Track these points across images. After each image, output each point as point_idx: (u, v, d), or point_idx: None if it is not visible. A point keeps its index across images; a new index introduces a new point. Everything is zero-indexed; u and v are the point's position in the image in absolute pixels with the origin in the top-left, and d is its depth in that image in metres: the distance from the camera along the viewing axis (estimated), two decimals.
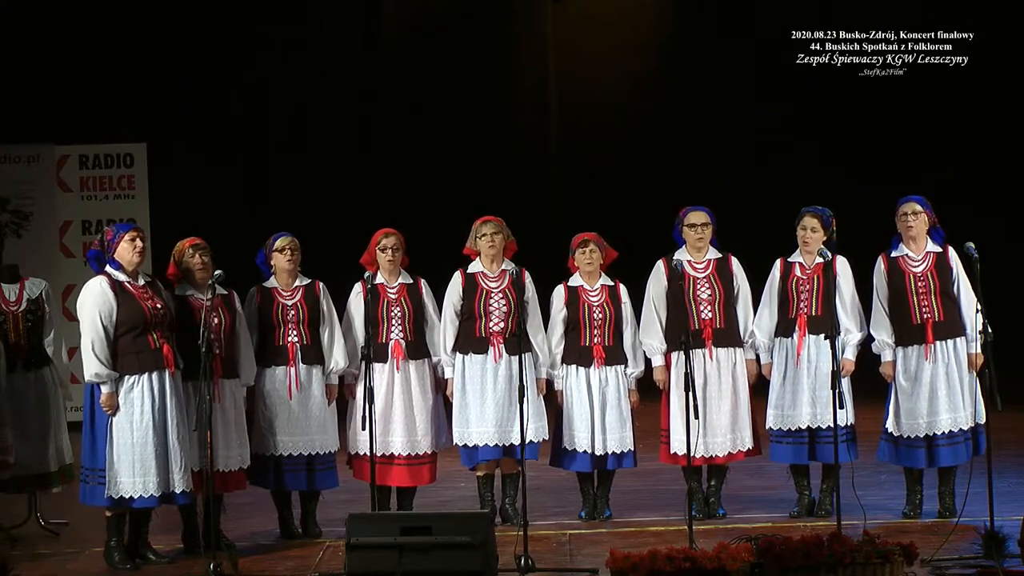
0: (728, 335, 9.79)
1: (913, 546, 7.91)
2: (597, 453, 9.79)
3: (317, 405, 9.64)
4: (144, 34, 16.30)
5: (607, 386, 9.80)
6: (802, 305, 9.73)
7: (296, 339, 9.59)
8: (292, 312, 9.60)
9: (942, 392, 9.57)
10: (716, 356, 9.76)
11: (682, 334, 9.03)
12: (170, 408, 8.93)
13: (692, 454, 9.00)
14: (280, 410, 9.56)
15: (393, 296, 9.73)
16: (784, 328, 9.79)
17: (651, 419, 10.10)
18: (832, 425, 8.99)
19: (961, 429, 9.58)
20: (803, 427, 9.73)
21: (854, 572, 7.74)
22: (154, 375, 8.91)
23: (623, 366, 9.85)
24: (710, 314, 9.76)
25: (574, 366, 9.82)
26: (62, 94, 16.06)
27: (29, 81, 16.01)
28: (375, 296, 9.54)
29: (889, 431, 9.71)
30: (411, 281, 9.82)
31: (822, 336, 9.29)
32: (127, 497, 8.87)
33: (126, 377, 8.89)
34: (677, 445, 9.69)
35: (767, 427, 9.86)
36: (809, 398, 9.69)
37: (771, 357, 9.84)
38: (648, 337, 9.83)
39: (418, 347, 9.77)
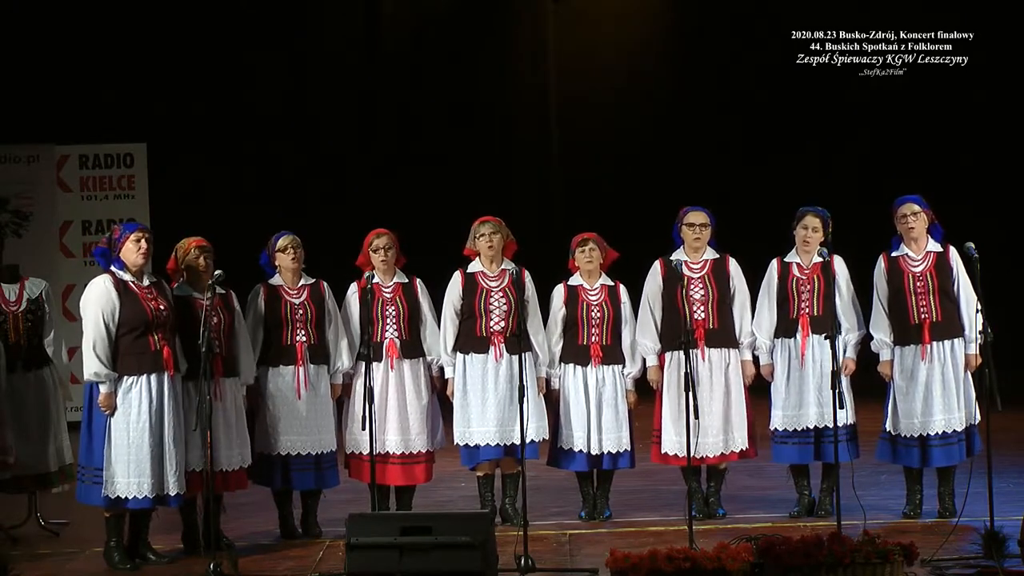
0: (721, 336, 9.78)
1: (913, 546, 7.90)
2: (593, 453, 9.79)
3: (323, 404, 9.65)
4: (144, 34, 16.29)
5: (604, 386, 9.80)
6: (803, 305, 9.72)
7: (304, 339, 9.59)
8: (300, 311, 9.60)
9: (937, 393, 9.57)
10: (708, 357, 9.74)
11: (680, 334, 9.03)
12: (167, 410, 8.92)
13: (687, 454, 9.00)
14: (287, 410, 9.56)
15: (388, 295, 9.73)
16: (786, 329, 9.78)
17: (649, 419, 10.10)
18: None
19: (955, 430, 9.58)
20: (810, 427, 9.72)
21: (854, 572, 7.73)
22: (152, 377, 8.90)
23: (621, 366, 9.85)
24: (703, 314, 9.75)
25: (571, 365, 9.82)
26: (62, 94, 16.06)
27: (29, 81, 16.01)
28: (371, 296, 9.54)
29: (888, 431, 9.73)
30: (406, 280, 9.82)
31: (823, 336, 9.29)
32: (123, 497, 8.87)
33: (125, 378, 8.88)
34: (668, 445, 9.71)
35: (772, 429, 9.84)
36: (815, 398, 9.69)
37: (772, 358, 9.85)
38: (643, 337, 9.83)
39: (413, 346, 9.77)
